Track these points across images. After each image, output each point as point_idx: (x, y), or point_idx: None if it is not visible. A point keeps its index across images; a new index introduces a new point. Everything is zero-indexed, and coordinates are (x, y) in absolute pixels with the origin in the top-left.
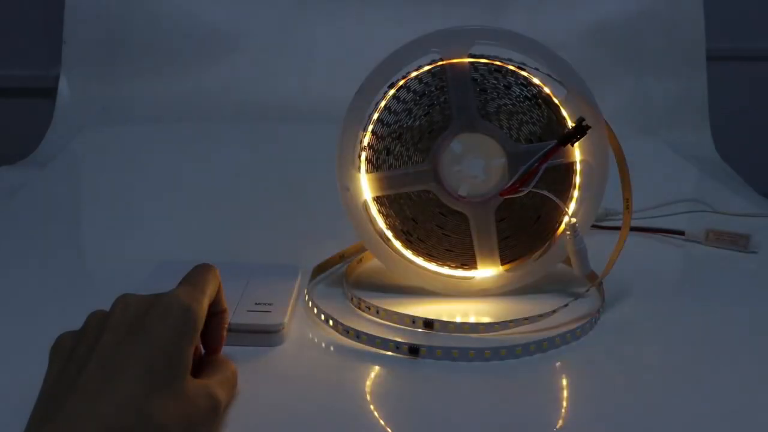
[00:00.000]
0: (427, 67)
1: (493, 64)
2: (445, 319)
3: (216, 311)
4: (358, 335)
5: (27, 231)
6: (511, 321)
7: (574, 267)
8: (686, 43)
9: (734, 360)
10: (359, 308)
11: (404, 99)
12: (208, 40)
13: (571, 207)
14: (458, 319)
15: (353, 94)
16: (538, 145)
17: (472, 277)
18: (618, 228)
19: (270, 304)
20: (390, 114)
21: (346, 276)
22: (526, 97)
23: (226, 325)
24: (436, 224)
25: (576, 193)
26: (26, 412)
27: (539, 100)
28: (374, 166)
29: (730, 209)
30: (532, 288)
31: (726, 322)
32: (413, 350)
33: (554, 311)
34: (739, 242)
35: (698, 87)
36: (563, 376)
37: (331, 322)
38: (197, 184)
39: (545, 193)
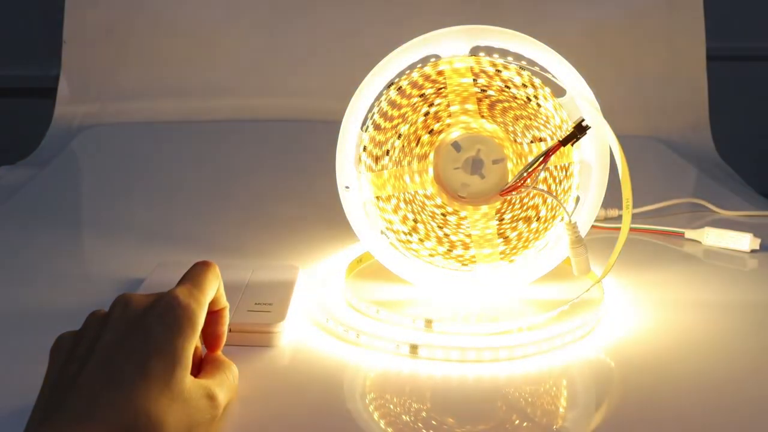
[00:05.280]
0: (427, 67)
1: (493, 63)
2: (445, 318)
3: (216, 309)
4: (358, 335)
5: (27, 231)
6: (511, 321)
7: (574, 267)
8: (686, 43)
9: (734, 360)
10: (359, 308)
11: (404, 99)
12: (208, 40)
13: (571, 207)
14: (458, 319)
15: (353, 94)
16: (538, 145)
17: (473, 277)
18: (618, 228)
19: (270, 304)
20: (390, 114)
21: (346, 276)
22: (526, 97)
23: (227, 323)
24: (436, 224)
25: (576, 193)
26: (26, 412)
27: (539, 101)
28: (374, 166)
29: (730, 209)
30: (533, 288)
31: (726, 322)
32: (413, 350)
33: (554, 311)
34: (739, 242)
35: (698, 87)
36: (563, 376)
37: (330, 322)
38: (197, 183)
39: (545, 193)
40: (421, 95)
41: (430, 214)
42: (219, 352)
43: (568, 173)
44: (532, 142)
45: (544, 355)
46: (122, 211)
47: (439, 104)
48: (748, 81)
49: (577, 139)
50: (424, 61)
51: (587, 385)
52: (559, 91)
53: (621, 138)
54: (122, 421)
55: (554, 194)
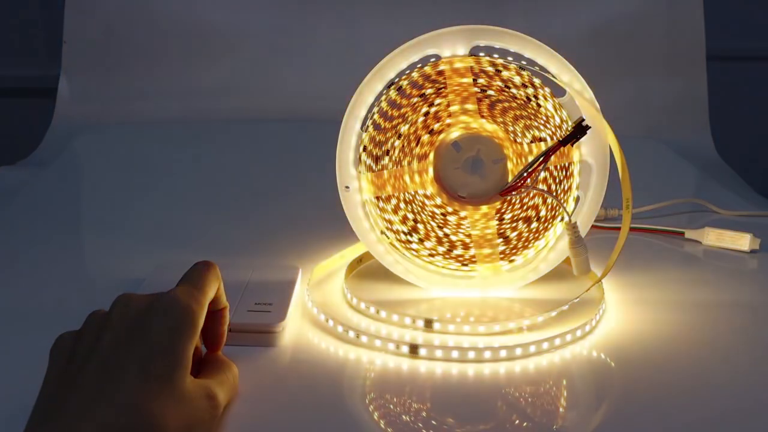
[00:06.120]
0: (427, 67)
1: (493, 63)
2: (445, 318)
3: (216, 309)
4: (358, 335)
5: (27, 231)
6: (511, 321)
7: (573, 267)
8: (686, 43)
9: (734, 360)
10: (359, 308)
11: (404, 99)
12: (208, 40)
13: (571, 207)
14: (458, 319)
15: (353, 94)
16: (538, 145)
17: (473, 277)
18: (618, 228)
19: (270, 304)
20: (390, 114)
21: (346, 276)
22: (526, 97)
23: (227, 323)
24: (436, 224)
25: (576, 193)
26: (26, 412)
27: (539, 101)
28: (374, 166)
29: (730, 209)
30: (533, 288)
31: (726, 322)
32: (413, 350)
33: (554, 311)
34: (739, 242)
35: (698, 87)
36: (563, 376)
37: (331, 322)
38: (197, 183)
39: (545, 193)
40: (421, 95)
41: (430, 214)
42: (219, 352)
43: (568, 173)
44: (532, 142)
45: (544, 355)
46: (122, 211)
47: (439, 104)
48: (748, 81)
49: (577, 139)
50: (424, 61)
51: (587, 385)
52: (559, 91)
53: (621, 138)
54: (122, 421)
55: (554, 194)
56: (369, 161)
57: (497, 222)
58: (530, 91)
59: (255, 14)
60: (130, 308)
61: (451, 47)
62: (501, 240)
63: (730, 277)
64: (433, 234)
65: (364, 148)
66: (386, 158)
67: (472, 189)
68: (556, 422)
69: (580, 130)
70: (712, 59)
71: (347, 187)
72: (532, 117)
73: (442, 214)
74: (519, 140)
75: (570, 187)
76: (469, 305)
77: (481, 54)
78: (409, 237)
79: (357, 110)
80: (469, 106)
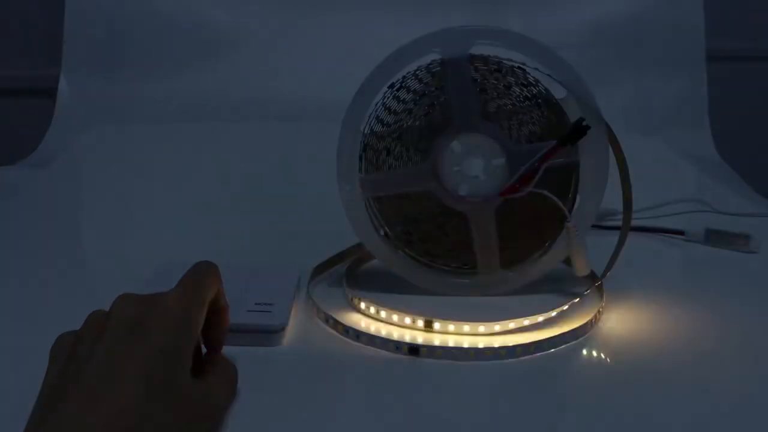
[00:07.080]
0: (427, 67)
1: (493, 64)
2: (445, 318)
3: (217, 309)
4: (358, 335)
5: (27, 231)
6: (511, 321)
7: (574, 267)
8: (686, 43)
9: (734, 360)
10: (359, 308)
11: (404, 99)
12: (208, 40)
13: (571, 207)
14: (458, 319)
15: (353, 94)
16: (538, 145)
17: (473, 277)
18: (618, 228)
19: (270, 304)
20: (390, 114)
21: (346, 276)
22: (526, 97)
23: (227, 323)
24: (436, 224)
25: (576, 193)
26: (26, 412)
27: (539, 101)
28: (374, 166)
29: (730, 209)
30: (532, 288)
31: (726, 322)
32: (413, 350)
33: (554, 311)
34: (739, 242)
35: (698, 87)
36: (563, 376)
37: (331, 322)
38: (197, 183)
39: (545, 193)
40: (422, 95)
41: (430, 214)
42: (219, 352)
43: (568, 173)
44: (531, 141)
45: (544, 355)
46: (122, 211)
47: (439, 104)
48: (748, 81)
49: (577, 139)
50: (425, 60)
51: (587, 385)
52: (559, 91)
53: (621, 138)
54: (122, 422)
55: (554, 194)
56: (369, 161)
57: (497, 222)
58: (530, 90)
59: (256, 14)
60: (130, 308)
61: (451, 47)
62: (501, 240)
63: (730, 278)
64: (433, 234)
65: (365, 148)
66: (386, 158)
67: (472, 189)
68: (556, 422)
69: (579, 129)
70: (712, 59)
71: (347, 187)
72: (533, 117)
73: (443, 214)
74: (518, 140)
75: (570, 187)
76: (469, 305)
77: (481, 54)
78: (409, 237)
79: (357, 110)
80: (470, 106)
